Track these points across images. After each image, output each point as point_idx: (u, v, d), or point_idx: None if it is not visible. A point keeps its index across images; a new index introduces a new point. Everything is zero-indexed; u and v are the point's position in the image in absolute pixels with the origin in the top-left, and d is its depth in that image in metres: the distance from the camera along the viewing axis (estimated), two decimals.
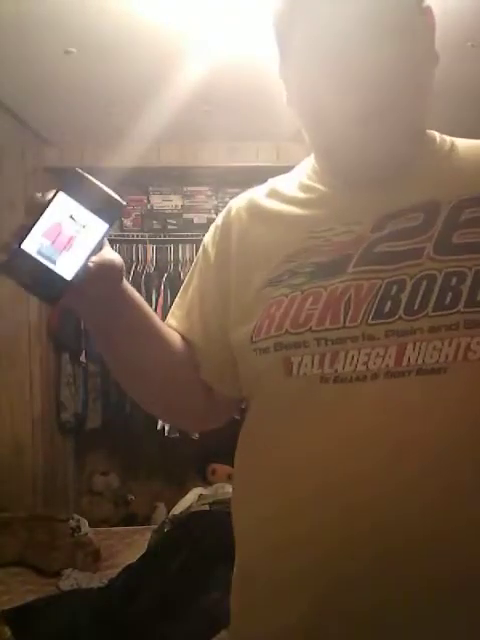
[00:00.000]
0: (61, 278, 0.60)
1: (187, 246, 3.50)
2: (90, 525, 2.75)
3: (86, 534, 2.65)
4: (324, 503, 0.67)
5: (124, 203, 0.64)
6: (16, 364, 3.12)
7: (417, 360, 0.65)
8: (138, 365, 0.79)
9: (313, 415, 0.70)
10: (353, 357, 0.67)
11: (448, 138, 0.79)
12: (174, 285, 3.36)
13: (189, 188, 3.51)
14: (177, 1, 1.87)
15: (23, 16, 1.94)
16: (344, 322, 0.68)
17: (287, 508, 0.70)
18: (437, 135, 0.79)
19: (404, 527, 0.64)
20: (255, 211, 0.83)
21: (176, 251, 3.49)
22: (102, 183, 0.63)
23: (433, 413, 0.65)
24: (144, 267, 3.44)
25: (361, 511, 0.65)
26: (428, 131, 0.78)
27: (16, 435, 3.11)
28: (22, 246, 0.59)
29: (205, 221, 3.53)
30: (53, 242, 0.60)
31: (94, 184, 0.62)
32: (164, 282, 3.36)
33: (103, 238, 0.64)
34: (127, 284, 0.74)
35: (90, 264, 0.62)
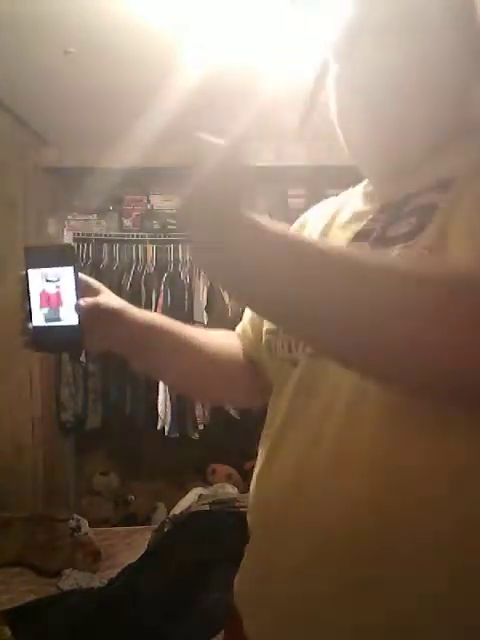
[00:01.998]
0: (72, 326, 0.72)
1: (187, 246, 3.49)
2: (90, 525, 2.75)
3: (86, 534, 2.65)
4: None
5: (71, 244, 0.74)
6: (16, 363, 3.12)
7: None
8: (179, 378, 0.91)
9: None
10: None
11: None
12: (174, 285, 3.37)
13: None
14: (177, 1, 1.87)
15: (23, 16, 1.94)
16: None
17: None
18: None
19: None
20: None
21: (176, 251, 3.49)
22: (50, 240, 0.73)
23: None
24: (144, 267, 3.44)
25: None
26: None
27: (16, 435, 3.11)
28: (34, 324, 0.73)
29: None
30: (49, 306, 0.72)
31: (43, 247, 0.75)
32: (164, 282, 3.36)
33: (77, 277, 0.73)
34: (140, 314, 0.83)
35: (81, 302, 0.73)
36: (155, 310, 3.26)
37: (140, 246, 3.48)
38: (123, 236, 3.51)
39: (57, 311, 0.72)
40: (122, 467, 3.61)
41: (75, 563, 2.52)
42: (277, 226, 0.58)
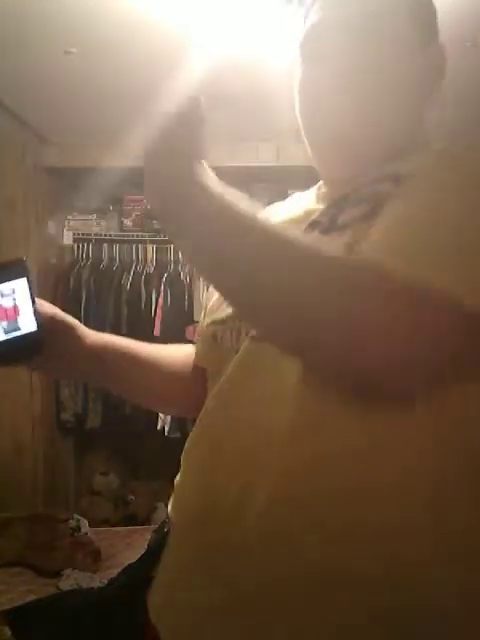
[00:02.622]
0: (31, 333, 0.74)
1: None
2: (90, 525, 2.75)
3: (86, 534, 2.65)
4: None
5: (23, 257, 0.76)
6: None
7: None
8: (134, 391, 0.94)
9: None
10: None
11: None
12: (174, 285, 3.36)
13: None
14: (177, 1, 1.87)
15: (23, 16, 1.94)
16: None
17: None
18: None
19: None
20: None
21: (176, 251, 3.48)
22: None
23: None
24: (144, 267, 3.44)
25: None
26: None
27: (16, 435, 3.11)
28: None
29: None
30: (7, 319, 0.74)
31: None
32: (164, 282, 3.36)
33: (31, 287, 0.76)
34: (92, 331, 0.85)
35: (38, 307, 0.76)
36: (155, 310, 3.27)
37: (140, 246, 3.48)
38: (123, 236, 3.51)
39: (16, 322, 0.74)
40: (122, 467, 3.61)
41: (75, 563, 2.52)
42: (221, 190, 0.61)
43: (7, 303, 0.74)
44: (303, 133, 0.78)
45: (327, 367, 0.59)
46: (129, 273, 3.38)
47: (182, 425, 3.31)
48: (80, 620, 0.98)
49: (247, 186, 3.61)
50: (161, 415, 3.26)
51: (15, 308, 0.74)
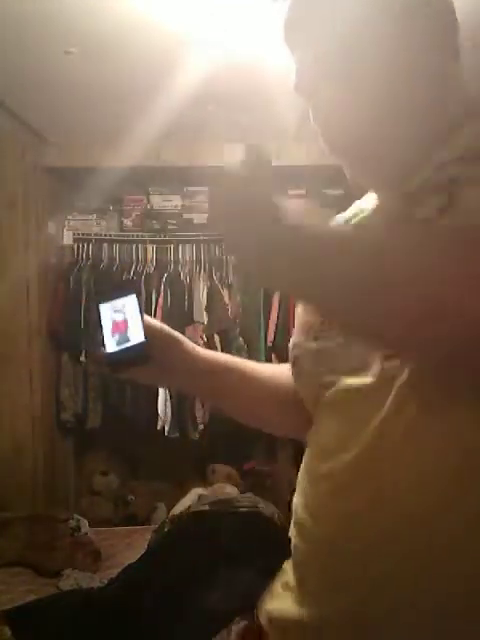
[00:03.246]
0: (139, 344, 0.80)
1: (187, 246, 3.50)
2: (90, 525, 2.75)
3: (86, 534, 2.65)
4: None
5: (133, 279, 0.80)
6: (16, 363, 3.12)
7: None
8: (234, 405, 0.94)
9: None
10: None
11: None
12: (174, 285, 3.37)
13: (189, 188, 3.51)
14: (177, 1, 1.87)
15: (23, 16, 1.94)
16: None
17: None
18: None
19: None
20: None
21: (176, 251, 3.49)
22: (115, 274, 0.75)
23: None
24: (144, 267, 3.44)
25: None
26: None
27: (16, 435, 3.11)
28: (107, 350, 0.80)
29: (205, 221, 3.52)
30: (119, 332, 0.81)
31: (111, 283, 0.87)
32: (164, 282, 3.36)
33: (140, 303, 0.83)
34: (201, 351, 0.89)
35: (146, 322, 0.82)
36: (155, 310, 3.27)
37: (140, 246, 3.48)
38: (123, 236, 3.51)
39: (126, 335, 0.81)
40: (122, 467, 3.61)
41: (75, 563, 2.52)
42: (297, 217, 0.62)
43: (119, 317, 0.82)
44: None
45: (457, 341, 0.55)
46: (129, 273, 3.38)
47: (182, 425, 3.31)
48: (80, 620, 0.98)
49: None
50: (161, 415, 3.26)
51: (125, 322, 0.82)
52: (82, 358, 3.29)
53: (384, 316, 0.57)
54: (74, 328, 3.20)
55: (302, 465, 0.78)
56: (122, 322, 0.82)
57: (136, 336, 0.81)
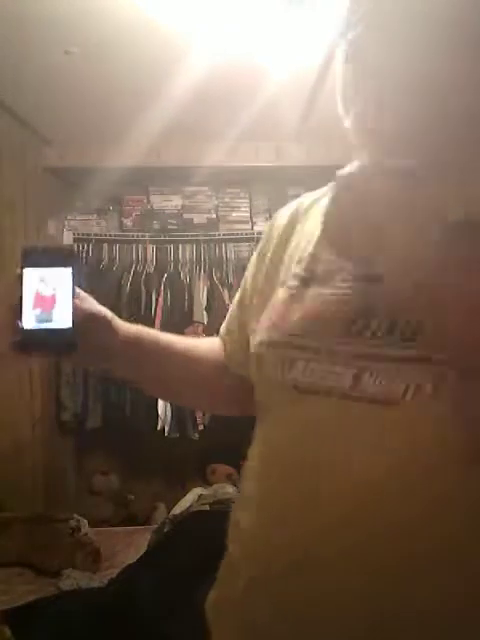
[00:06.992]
0: (64, 329, 0.69)
1: (187, 246, 3.50)
2: (90, 525, 2.74)
3: (86, 534, 2.65)
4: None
5: (72, 245, 0.73)
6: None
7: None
8: (163, 386, 0.91)
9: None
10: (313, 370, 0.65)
11: None
12: (174, 285, 3.37)
13: (189, 188, 3.51)
14: (177, 1, 1.87)
15: (23, 16, 1.94)
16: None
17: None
18: None
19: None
20: None
21: (176, 251, 3.49)
22: (48, 242, 0.71)
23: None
24: (144, 267, 3.44)
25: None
26: None
27: (16, 435, 3.11)
28: (23, 325, 0.68)
29: (205, 221, 3.53)
30: (42, 308, 0.69)
31: (42, 247, 0.72)
32: (164, 282, 3.36)
33: (74, 280, 0.71)
34: (126, 323, 0.81)
35: (76, 301, 0.71)
36: (155, 310, 3.27)
37: (140, 246, 3.49)
38: (123, 236, 3.51)
39: (50, 314, 0.69)
40: (122, 467, 3.61)
41: (75, 563, 2.52)
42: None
43: (46, 291, 0.70)
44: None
45: None
46: (129, 273, 3.38)
47: (182, 425, 3.31)
48: (80, 620, 0.98)
49: (247, 186, 3.61)
50: (161, 415, 3.26)
51: (53, 297, 0.70)
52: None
53: None
54: None
55: (254, 468, 0.76)
56: (49, 297, 0.69)
57: (61, 320, 0.69)
